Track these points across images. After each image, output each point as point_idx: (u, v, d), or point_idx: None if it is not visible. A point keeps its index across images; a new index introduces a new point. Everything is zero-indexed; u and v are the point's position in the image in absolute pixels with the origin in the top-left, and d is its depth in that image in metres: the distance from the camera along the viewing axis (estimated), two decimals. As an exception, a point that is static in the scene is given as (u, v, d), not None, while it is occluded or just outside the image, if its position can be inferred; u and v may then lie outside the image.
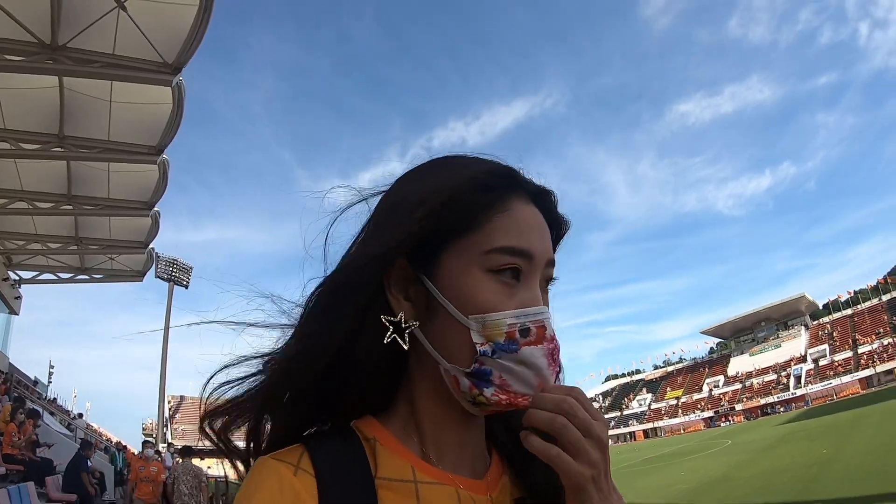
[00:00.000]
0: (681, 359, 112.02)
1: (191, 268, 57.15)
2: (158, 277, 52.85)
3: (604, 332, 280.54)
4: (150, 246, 20.57)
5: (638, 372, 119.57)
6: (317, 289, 0.81)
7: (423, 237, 0.76)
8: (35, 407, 16.32)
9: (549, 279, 0.83)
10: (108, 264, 21.73)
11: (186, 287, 57.05)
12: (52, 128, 13.64)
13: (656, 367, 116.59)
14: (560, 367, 0.77)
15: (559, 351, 0.76)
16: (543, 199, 0.84)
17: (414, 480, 0.75)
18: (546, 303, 0.80)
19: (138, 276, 23.02)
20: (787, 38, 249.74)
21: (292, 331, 0.83)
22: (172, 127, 14.09)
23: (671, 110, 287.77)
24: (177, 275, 55.02)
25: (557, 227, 0.87)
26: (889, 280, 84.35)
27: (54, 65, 11.60)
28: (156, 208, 17.61)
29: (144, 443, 15.49)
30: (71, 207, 16.78)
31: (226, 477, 13.80)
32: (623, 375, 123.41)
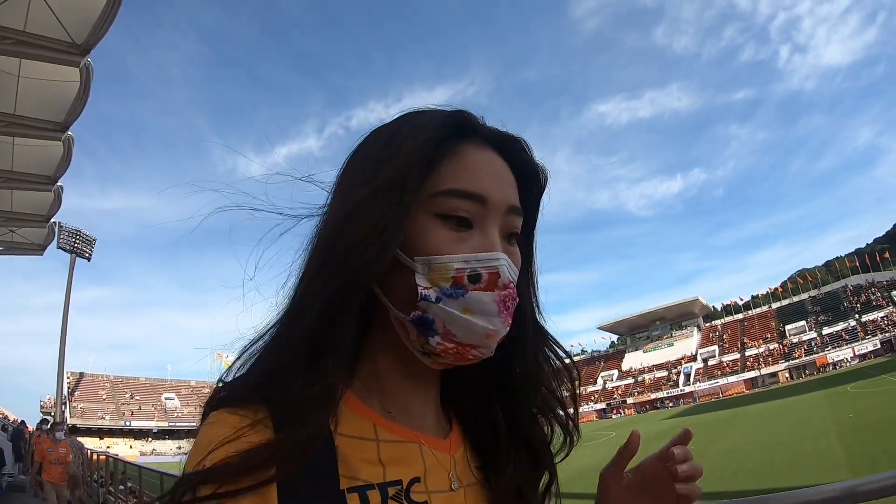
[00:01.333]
0: (582, 351, 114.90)
1: (94, 239, 55.55)
2: (60, 248, 51.06)
3: None
4: (52, 220, 20.23)
5: None
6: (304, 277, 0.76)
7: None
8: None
9: (512, 230, 0.79)
10: (9, 237, 21.05)
11: (89, 259, 55.42)
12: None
13: (575, 355, 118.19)
14: (512, 317, 0.75)
15: (515, 300, 0.74)
16: (510, 148, 0.82)
17: (376, 439, 0.73)
18: (513, 256, 0.77)
19: (39, 249, 22.46)
20: (710, 51, 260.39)
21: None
22: (78, 105, 14.11)
23: (590, 109, 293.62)
24: (79, 246, 53.36)
25: (534, 178, 0.86)
26: (780, 289, 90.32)
27: None
28: (59, 183, 17.36)
29: (53, 424, 15.03)
30: None
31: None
32: None
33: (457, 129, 0.77)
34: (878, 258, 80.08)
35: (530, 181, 0.85)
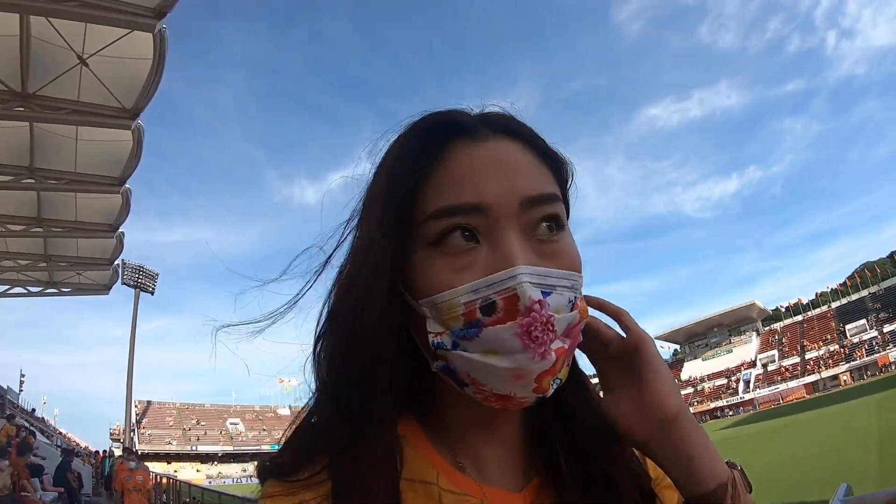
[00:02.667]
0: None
1: (156, 274, 58.17)
2: (125, 284, 53.67)
3: None
4: (115, 262, 21.71)
5: None
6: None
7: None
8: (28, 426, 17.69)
9: (542, 221, 0.62)
10: (76, 279, 22.69)
11: (152, 293, 58.05)
12: (23, 161, 14.52)
13: None
14: (571, 341, 0.62)
15: (545, 324, 0.56)
16: (523, 132, 0.68)
17: (437, 484, 0.67)
18: (554, 257, 0.62)
19: (104, 289, 23.95)
20: (756, 45, 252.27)
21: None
22: (133, 161, 15.00)
23: (640, 114, 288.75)
24: (143, 282, 55.90)
25: (553, 160, 0.70)
26: (841, 287, 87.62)
27: (24, 111, 12.48)
28: (121, 229, 18.57)
29: (126, 451, 16.67)
30: (41, 230, 17.72)
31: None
32: (592, 376, 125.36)
33: (441, 132, 0.66)
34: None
35: (557, 167, 0.71)
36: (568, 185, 0.73)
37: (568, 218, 0.69)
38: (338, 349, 0.66)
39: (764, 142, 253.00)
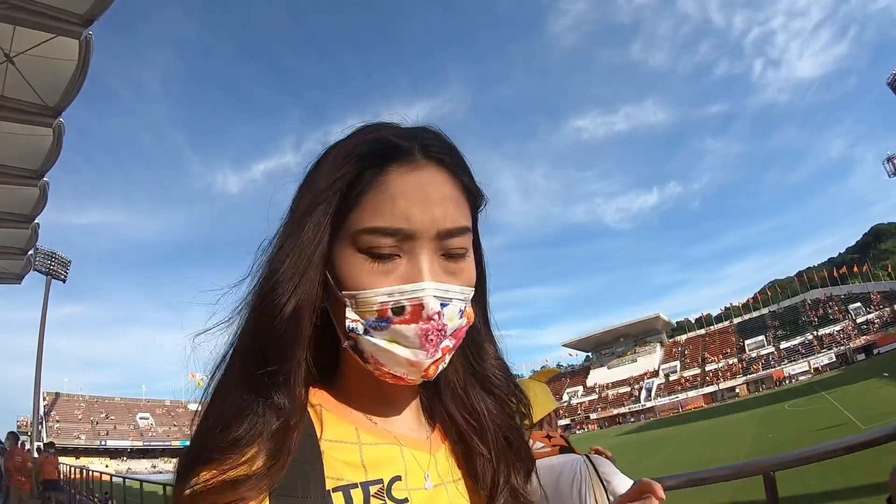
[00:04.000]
0: (558, 365, 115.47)
1: (69, 261, 56.40)
2: (36, 270, 51.72)
3: None
4: (29, 252, 21.60)
5: (518, 376, 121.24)
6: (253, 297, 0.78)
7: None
8: None
9: (453, 250, 0.77)
10: (-14, 267, 22.43)
11: (64, 281, 56.31)
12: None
13: (534, 372, 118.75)
14: (456, 342, 0.78)
15: (441, 330, 0.73)
16: (453, 161, 0.80)
17: (358, 441, 0.78)
18: (456, 275, 0.77)
19: (17, 279, 23.68)
20: (685, 66, 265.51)
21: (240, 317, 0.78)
22: (52, 156, 15.03)
23: (567, 124, 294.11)
24: (54, 268, 54.19)
25: (470, 191, 0.83)
26: (751, 300, 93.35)
27: None
28: (37, 221, 18.56)
29: (49, 444, 17.28)
30: None
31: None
32: None
33: (382, 154, 0.76)
34: (846, 270, 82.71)
35: (474, 198, 0.84)
36: (479, 211, 0.86)
37: (477, 231, 0.86)
38: (263, 322, 0.74)
39: (685, 159, 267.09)
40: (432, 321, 0.73)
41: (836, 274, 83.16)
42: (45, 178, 16.30)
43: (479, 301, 0.88)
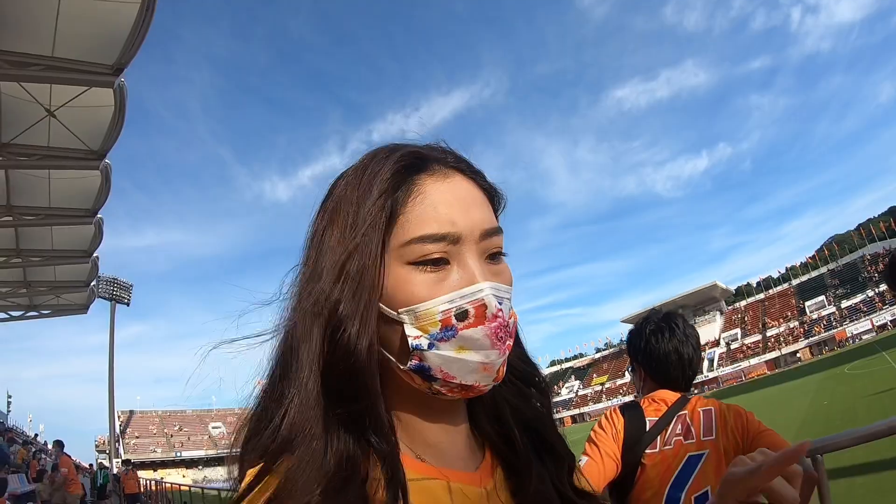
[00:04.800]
0: (606, 345, 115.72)
1: (131, 285, 58.43)
2: (100, 297, 53.90)
3: (551, 316, 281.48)
4: (91, 283, 22.93)
5: (581, 356, 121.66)
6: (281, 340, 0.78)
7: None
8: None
9: (494, 250, 0.78)
10: (55, 301, 23.84)
11: (128, 304, 58.51)
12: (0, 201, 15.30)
13: (598, 350, 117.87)
14: (513, 340, 0.77)
15: (506, 327, 0.73)
16: (466, 173, 0.81)
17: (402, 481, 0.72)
18: (500, 274, 0.77)
19: (82, 309, 25.11)
20: (721, 24, 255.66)
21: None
22: (102, 194, 15.89)
23: (608, 96, 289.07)
24: (118, 294, 56.32)
25: (491, 194, 0.85)
26: (810, 260, 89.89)
27: (0, 160, 13.20)
28: (95, 254, 19.68)
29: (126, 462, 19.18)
30: (20, 260, 18.84)
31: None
32: (566, 360, 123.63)
33: (412, 167, 0.77)
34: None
35: (494, 199, 0.85)
36: (499, 213, 0.86)
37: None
38: (337, 358, 0.72)
39: (732, 119, 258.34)
40: (498, 319, 0.73)
41: (893, 225, 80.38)
42: (98, 215, 17.19)
43: None
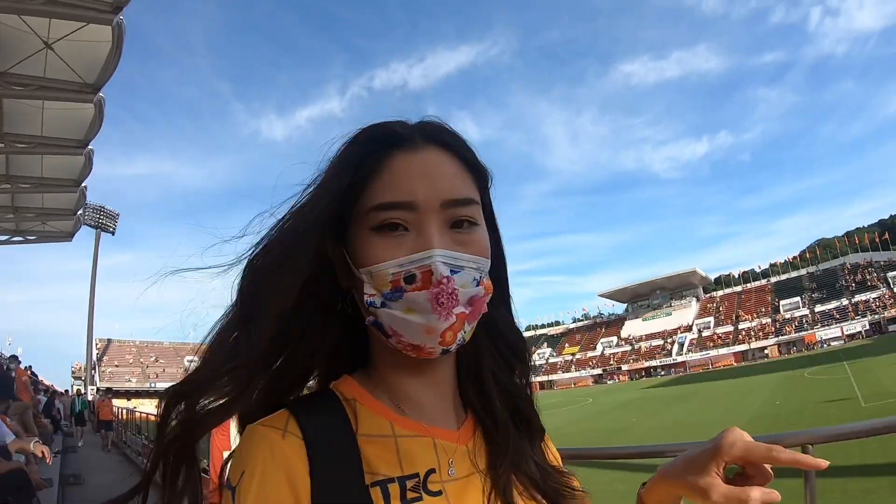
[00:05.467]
0: (585, 316, 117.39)
1: (117, 214, 58.57)
2: (86, 224, 53.79)
3: (534, 280, 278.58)
4: (79, 212, 23.25)
5: (558, 324, 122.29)
6: (263, 246, 0.82)
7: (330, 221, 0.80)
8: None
9: (459, 219, 0.80)
10: (41, 227, 24.11)
11: (113, 233, 58.74)
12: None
13: (575, 321, 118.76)
14: (473, 310, 0.78)
15: (450, 294, 0.75)
16: (454, 142, 0.84)
17: (393, 435, 0.79)
18: (466, 245, 0.79)
19: (68, 237, 25.47)
20: (739, 12, 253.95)
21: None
22: (95, 127, 16.04)
23: (616, 69, 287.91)
24: (103, 222, 56.56)
25: (474, 168, 0.86)
26: (794, 259, 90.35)
27: None
28: (84, 184, 19.95)
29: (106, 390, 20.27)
30: (9, 186, 18.97)
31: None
32: (542, 326, 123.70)
33: (382, 141, 0.81)
34: (888, 236, 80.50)
35: (478, 173, 0.87)
36: (489, 185, 0.90)
37: (492, 209, 0.91)
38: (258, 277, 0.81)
39: (737, 108, 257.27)
40: (441, 285, 0.74)
41: (878, 239, 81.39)
42: (90, 147, 17.46)
43: (498, 283, 0.89)
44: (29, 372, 18.92)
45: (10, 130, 16.40)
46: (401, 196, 0.77)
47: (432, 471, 0.79)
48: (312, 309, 0.84)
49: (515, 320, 0.98)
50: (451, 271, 0.76)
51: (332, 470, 0.71)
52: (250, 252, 0.83)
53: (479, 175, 0.88)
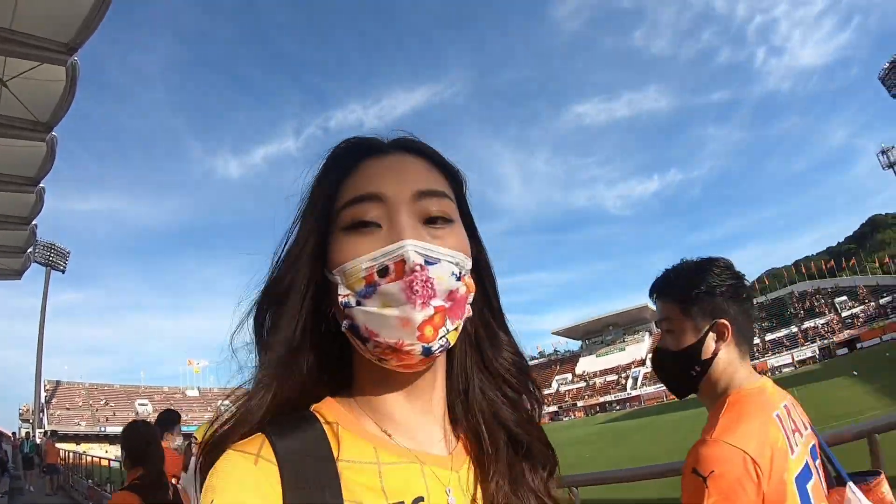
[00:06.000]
0: (555, 351, 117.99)
1: (68, 252, 57.53)
2: (35, 262, 52.59)
3: None
4: (28, 250, 22.88)
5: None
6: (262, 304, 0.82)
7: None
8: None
9: (432, 214, 0.78)
10: (-13, 264, 23.63)
11: (63, 272, 57.54)
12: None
13: (532, 358, 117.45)
14: (454, 304, 0.75)
15: (424, 281, 0.72)
16: (425, 151, 0.85)
17: (377, 462, 0.74)
18: (441, 238, 0.77)
19: (16, 275, 25.07)
20: (687, 53, 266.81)
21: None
22: (46, 165, 16.12)
23: (569, 110, 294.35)
24: (54, 260, 55.38)
25: (446, 170, 0.86)
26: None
27: None
28: (34, 222, 19.88)
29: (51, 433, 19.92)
30: None
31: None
32: None
33: (350, 151, 0.82)
34: (833, 263, 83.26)
35: (451, 176, 0.86)
36: (464, 190, 0.88)
37: (471, 218, 0.89)
38: (275, 316, 0.80)
39: (686, 146, 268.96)
40: (415, 273, 0.72)
41: (824, 267, 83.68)
42: (41, 185, 17.44)
43: (486, 295, 0.89)
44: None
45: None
46: (369, 189, 0.77)
47: (420, 499, 0.74)
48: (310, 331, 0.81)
49: (514, 337, 0.94)
50: (426, 262, 0.74)
51: (308, 498, 0.67)
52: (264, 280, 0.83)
53: (452, 176, 0.87)
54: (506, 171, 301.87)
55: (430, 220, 0.78)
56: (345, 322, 0.75)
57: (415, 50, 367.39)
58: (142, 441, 3.46)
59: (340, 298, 0.74)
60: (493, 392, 0.90)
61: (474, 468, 0.85)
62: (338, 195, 0.79)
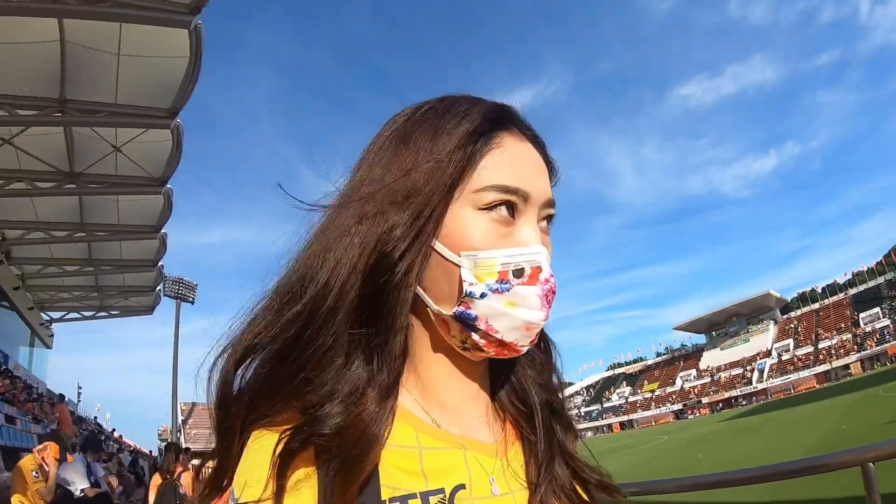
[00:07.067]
0: (682, 346, 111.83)
1: (195, 285, 61.25)
2: (166, 296, 56.50)
3: (614, 317, 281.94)
4: (157, 288, 25.47)
5: (641, 360, 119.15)
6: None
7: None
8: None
9: (548, 218, 0.78)
10: (123, 303, 26.47)
11: (192, 303, 61.47)
12: (63, 166, 15.75)
13: (658, 354, 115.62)
14: (551, 307, 0.73)
15: (555, 293, 0.73)
16: (539, 143, 0.81)
17: (418, 446, 0.71)
18: (547, 244, 0.77)
19: (148, 311, 27.84)
20: (787, 17, 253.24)
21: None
22: (173, 160, 16.14)
23: (673, 94, 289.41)
24: (183, 293, 59.39)
25: (551, 167, 0.83)
26: (877, 266, 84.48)
27: (63, 117, 13.51)
28: (160, 263, 22.17)
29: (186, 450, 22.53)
30: (92, 269, 21.28)
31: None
32: (621, 365, 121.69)
33: (497, 120, 0.76)
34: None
35: (552, 172, 0.83)
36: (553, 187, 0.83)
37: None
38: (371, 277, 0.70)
39: (800, 116, 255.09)
40: (550, 283, 0.72)
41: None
42: (163, 231, 19.48)
43: None
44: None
45: (90, 220, 18.56)
46: (519, 182, 0.73)
47: (461, 486, 0.71)
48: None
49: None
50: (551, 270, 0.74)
51: (345, 482, 0.63)
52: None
53: (553, 175, 0.85)
54: (617, 163, 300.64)
55: (542, 225, 0.78)
56: (456, 309, 0.71)
57: (510, 53, 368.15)
58: None
59: (466, 286, 0.70)
60: (535, 376, 0.88)
61: (520, 455, 0.82)
62: (474, 165, 0.73)
